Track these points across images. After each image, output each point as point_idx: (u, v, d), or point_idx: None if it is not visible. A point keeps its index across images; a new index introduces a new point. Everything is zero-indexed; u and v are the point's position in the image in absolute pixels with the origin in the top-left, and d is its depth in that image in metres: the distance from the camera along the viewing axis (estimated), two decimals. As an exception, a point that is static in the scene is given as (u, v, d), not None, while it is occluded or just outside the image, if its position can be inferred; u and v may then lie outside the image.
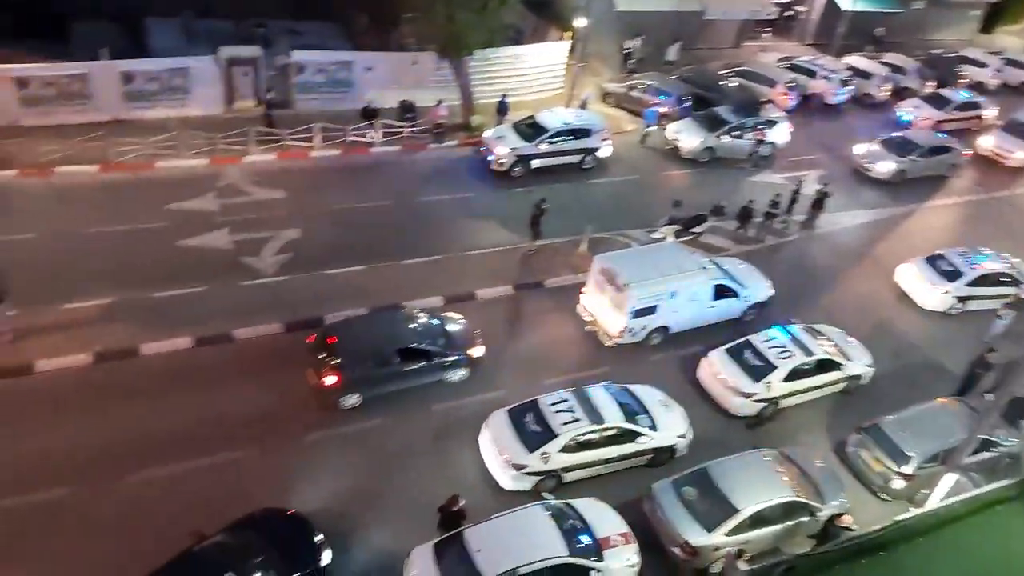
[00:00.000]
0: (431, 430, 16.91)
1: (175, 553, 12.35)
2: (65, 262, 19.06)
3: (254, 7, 29.23)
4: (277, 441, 15.83)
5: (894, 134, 30.66)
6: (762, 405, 18.33)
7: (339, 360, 16.42)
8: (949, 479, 14.94)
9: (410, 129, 26.92)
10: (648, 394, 17.59)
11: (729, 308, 20.90)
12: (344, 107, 27.23)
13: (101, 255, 19.53)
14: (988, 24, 47.50)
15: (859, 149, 30.15)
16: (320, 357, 16.64)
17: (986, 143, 32.66)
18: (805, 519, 15.42)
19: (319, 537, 13.62)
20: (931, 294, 23.01)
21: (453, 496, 14.19)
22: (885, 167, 29.13)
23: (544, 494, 15.40)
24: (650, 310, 19.45)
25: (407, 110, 27.25)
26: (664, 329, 20.10)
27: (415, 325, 17.81)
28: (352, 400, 16.80)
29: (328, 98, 27.62)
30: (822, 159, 30.28)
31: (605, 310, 19.69)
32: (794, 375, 18.43)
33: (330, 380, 16.34)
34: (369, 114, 26.33)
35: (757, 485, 15.36)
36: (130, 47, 26.26)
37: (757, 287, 21.46)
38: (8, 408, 15.57)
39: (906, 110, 34.33)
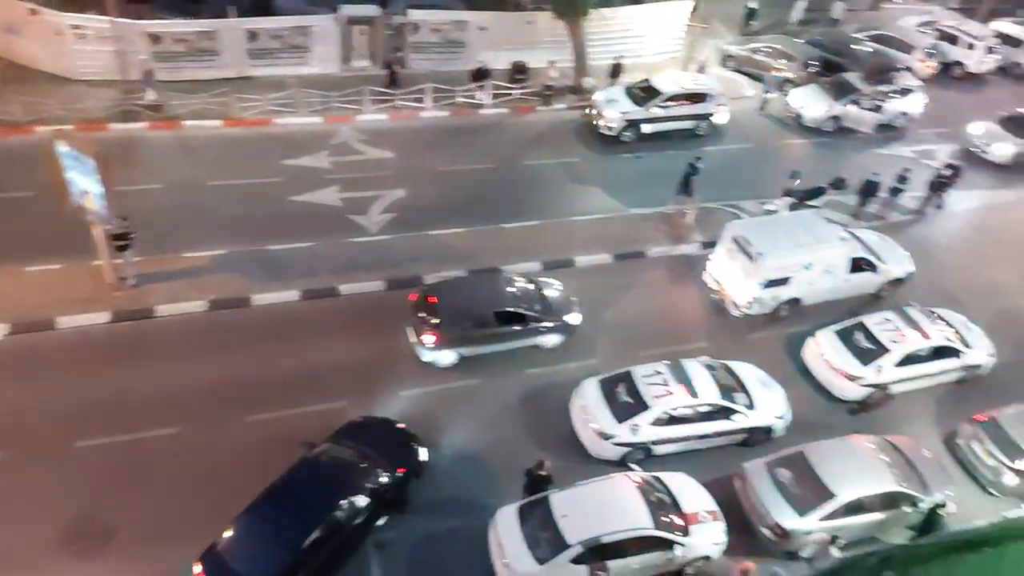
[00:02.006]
0: (523, 394, 17.10)
1: (292, 463, 13.57)
2: (187, 212, 20.20)
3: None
4: (376, 394, 16.40)
5: (1015, 112, 27.24)
6: (870, 390, 17.49)
7: (438, 320, 16.80)
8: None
9: (520, 91, 26.83)
10: (747, 372, 17.14)
11: (866, 282, 20.04)
12: (456, 67, 27.38)
13: (220, 207, 20.59)
14: None
15: (975, 129, 27.20)
16: (420, 316, 17.08)
17: None
18: (906, 509, 14.75)
19: (414, 436, 14.97)
20: (1072, 283, 21.17)
21: (540, 460, 14.36)
22: (1003, 150, 26.24)
23: (632, 465, 15.37)
24: (783, 281, 18.90)
25: (518, 71, 27.11)
26: (795, 301, 19.47)
27: (513, 289, 17.93)
28: (449, 359, 17.18)
29: (441, 58, 27.84)
30: (960, 133, 27.93)
31: (734, 279, 19.25)
32: (908, 360, 17.51)
33: (429, 339, 16.77)
34: (480, 75, 26.37)
35: (857, 472, 14.77)
36: (256, 5, 27.25)
37: (897, 262, 20.48)
38: (129, 350, 16.77)
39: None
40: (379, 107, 25.24)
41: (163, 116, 23.46)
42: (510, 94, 26.67)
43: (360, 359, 17.16)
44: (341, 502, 13.07)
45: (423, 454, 14.83)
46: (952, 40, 32.28)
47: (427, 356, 17.06)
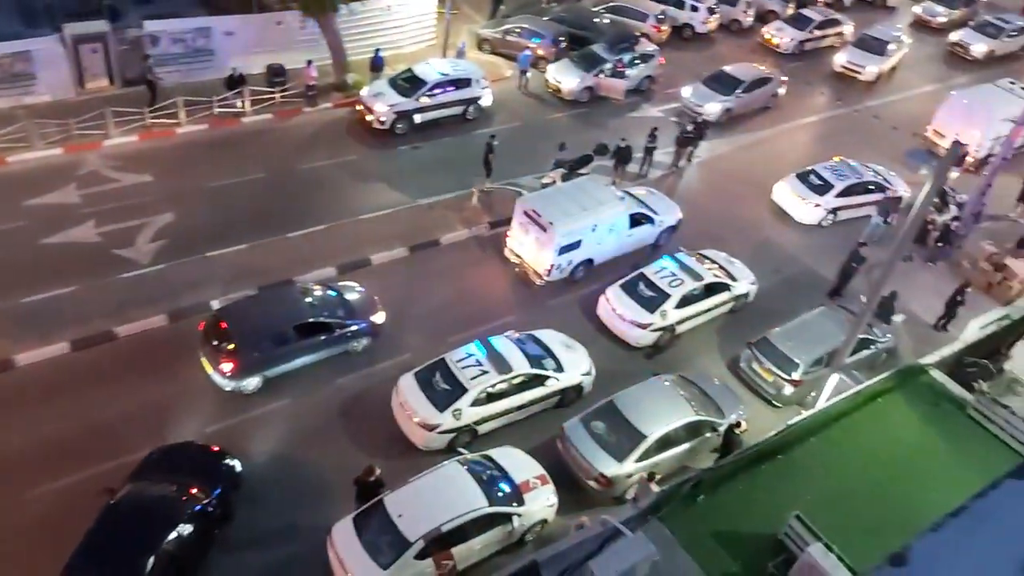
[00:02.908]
0: (340, 403, 16.73)
1: (97, 514, 12.57)
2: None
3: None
4: (179, 436, 15.19)
5: (716, 72, 29.56)
6: (659, 334, 19.00)
7: (234, 344, 15.92)
8: (834, 380, 15.96)
9: (281, 94, 25.84)
10: (551, 337, 17.92)
11: (645, 235, 21.68)
12: (208, 77, 25.77)
13: (-44, 264, 18.08)
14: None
15: (686, 91, 29.07)
16: (213, 344, 16.10)
17: (839, 59, 33.75)
18: (708, 435, 16.26)
19: (222, 450, 14.47)
20: (804, 208, 24.21)
21: (368, 466, 14.15)
22: (712, 108, 28.12)
23: (460, 449, 15.60)
24: (574, 245, 19.97)
25: (276, 74, 26.12)
26: (589, 262, 20.66)
27: (310, 299, 17.42)
28: (253, 383, 16.37)
29: (189, 69, 26.06)
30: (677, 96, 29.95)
31: (531, 251, 20.06)
32: (685, 301, 19.17)
33: (227, 366, 15.85)
34: (235, 82, 25.03)
35: (660, 410, 16.01)
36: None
37: (668, 212, 22.30)
38: None
39: (771, 33, 35.35)
40: (127, 128, 23.19)
41: None
42: (272, 99, 25.62)
43: (155, 402, 15.88)
44: (163, 537, 12.34)
45: (237, 465, 14.37)
46: (679, 4, 35.34)
47: (229, 385, 16.13)
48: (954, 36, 37.52)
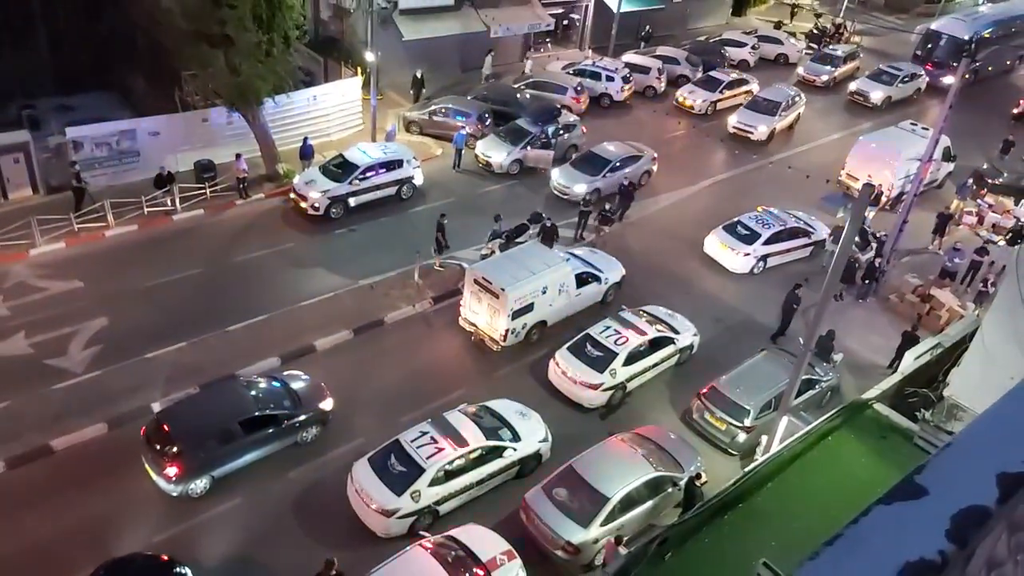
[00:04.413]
0: (294, 497, 16.21)
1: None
2: None
3: (17, 89, 27.03)
4: (125, 549, 14.44)
5: (585, 152, 29.55)
6: (611, 393, 19.12)
7: (177, 447, 15.38)
8: (784, 423, 16.24)
9: (211, 189, 25.75)
10: (505, 407, 17.83)
11: (592, 293, 22.15)
12: (136, 178, 25.62)
13: None
14: (738, 8, 52.43)
15: (554, 173, 28.65)
16: (156, 448, 15.53)
17: (731, 121, 34.68)
18: (669, 490, 16.24)
19: (171, 560, 13.82)
20: (735, 258, 24.98)
21: (327, 560, 13.65)
22: (582, 189, 27.47)
23: (422, 532, 15.20)
24: (528, 308, 20.25)
25: (205, 170, 26.07)
26: (543, 324, 20.93)
27: (255, 392, 17.04)
28: (201, 486, 15.78)
29: (116, 171, 25.86)
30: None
31: (486, 318, 20.21)
32: (632, 358, 19.38)
33: (171, 470, 15.27)
34: (163, 180, 24.91)
35: (620, 470, 15.95)
36: None
37: (612, 269, 22.94)
38: None
39: (684, 95, 37.02)
40: (54, 236, 22.70)
41: None
42: (203, 194, 25.49)
43: (98, 516, 15.13)
44: None
45: (188, 574, 13.73)
46: (595, 76, 36.88)
47: (175, 490, 15.51)
48: (853, 86, 39.91)
